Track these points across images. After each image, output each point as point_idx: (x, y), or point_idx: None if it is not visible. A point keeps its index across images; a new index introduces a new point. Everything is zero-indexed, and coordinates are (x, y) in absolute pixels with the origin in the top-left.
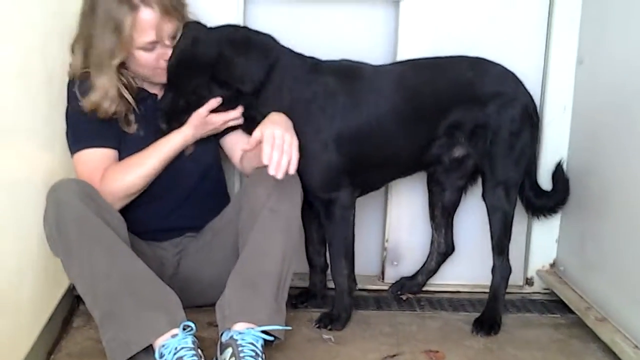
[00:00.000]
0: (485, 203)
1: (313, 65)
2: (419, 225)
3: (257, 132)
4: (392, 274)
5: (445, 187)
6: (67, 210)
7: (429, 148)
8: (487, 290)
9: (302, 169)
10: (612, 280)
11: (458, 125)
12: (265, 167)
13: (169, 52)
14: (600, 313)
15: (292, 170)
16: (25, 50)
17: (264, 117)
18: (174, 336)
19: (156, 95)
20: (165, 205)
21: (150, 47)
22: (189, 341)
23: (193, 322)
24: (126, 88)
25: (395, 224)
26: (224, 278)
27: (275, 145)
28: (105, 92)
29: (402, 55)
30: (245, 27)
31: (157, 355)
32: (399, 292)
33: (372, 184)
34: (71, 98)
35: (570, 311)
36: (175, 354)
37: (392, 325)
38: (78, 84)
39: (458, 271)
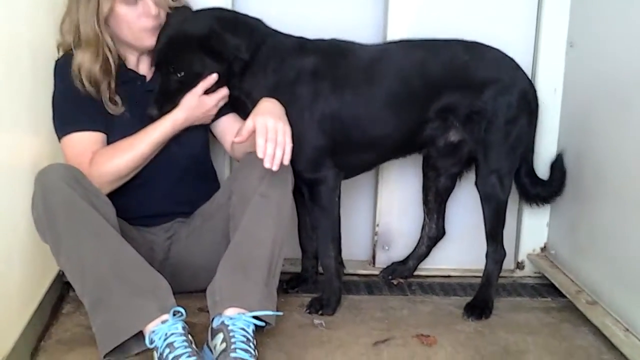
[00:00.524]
0: (479, 191)
1: (299, 45)
2: (410, 210)
3: (249, 122)
4: (383, 259)
5: (440, 172)
6: (54, 195)
7: (420, 130)
8: (479, 274)
9: None
10: (603, 264)
11: (451, 109)
12: (255, 151)
13: (151, 9)
14: (591, 296)
15: (287, 160)
16: (10, 36)
17: (248, 97)
18: (164, 322)
19: (145, 77)
20: (155, 190)
21: (132, 1)
22: (179, 327)
23: (183, 308)
24: (110, 51)
25: (386, 208)
26: (215, 263)
27: (268, 138)
28: (93, 37)
29: (392, 37)
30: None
31: (147, 341)
32: (390, 277)
33: (361, 166)
34: (58, 79)
35: (561, 295)
36: (165, 339)
37: (384, 309)
38: (65, 59)
39: (449, 255)
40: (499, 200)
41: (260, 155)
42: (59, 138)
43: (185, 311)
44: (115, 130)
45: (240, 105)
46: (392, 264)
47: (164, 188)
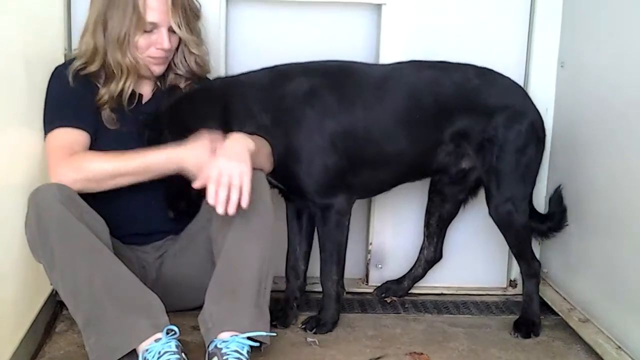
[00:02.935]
0: (494, 220)
1: (280, 72)
2: (403, 229)
3: (206, 171)
4: (377, 277)
5: (446, 198)
6: (48, 214)
7: (434, 154)
8: (472, 292)
9: (299, 173)
10: (595, 282)
11: (464, 134)
12: None
13: (162, 41)
14: (584, 314)
15: (245, 203)
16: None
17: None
18: (157, 340)
19: (142, 95)
20: (148, 208)
21: (149, 27)
22: (172, 345)
23: (176, 326)
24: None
25: (379, 227)
26: (201, 282)
27: (221, 182)
28: (132, 68)
29: (385, 58)
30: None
31: (140, 359)
32: (383, 295)
33: (377, 185)
34: (55, 80)
35: (554, 312)
36: (159, 357)
37: (377, 328)
38: (66, 67)
39: (442, 273)
40: (518, 225)
41: (211, 202)
42: (46, 134)
43: (179, 329)
44: (105, 142)
45: None
46: (386, 282)
47: (157, 206)
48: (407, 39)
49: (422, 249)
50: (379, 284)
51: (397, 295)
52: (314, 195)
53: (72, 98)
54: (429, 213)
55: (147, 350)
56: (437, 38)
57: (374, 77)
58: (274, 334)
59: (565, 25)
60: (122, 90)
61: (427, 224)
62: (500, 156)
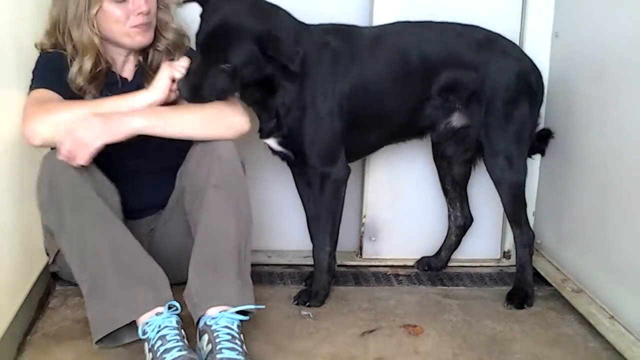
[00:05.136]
0: (490, 176)
1: (315, 30)
2: (397, 201)
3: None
4: (370, 250)
5: (451, 160)
6: (61, 178)
7: (422, 109)
8: (465, 264)
9: (306, 141)
10: (588, 253)
11: (451, 88)
12: (202, 142)
13: (139, 5)
14: (577, 285)
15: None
16: None
17: (282, 88)
18: (158, 314)
19: (127, 79)
20: (143, 182)
21: None
22: (173, 320)
23: (179, 302)
24: (101, 55)
25: (373, 199)
26: (183, 257)
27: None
28: (89, 44)
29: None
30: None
31: (140, 332)
32: (426, 269)
33: (367, 147)
34: (44, 56)
35: (547, 283)
36: (158, 331)
37: (370, 300)
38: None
39: (436, 245)
40: (512, 183)
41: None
42: (29, 92)
43: (180, 306)
44: None
45: (268, 100)
46: (423, 257)
47: (152, 181)
48: (400, 5)
49: (449, 216)
50: (419, 259)
51: (437, 268)
52: (316, 161)
53: (61, 76)
54: (442, 179)
55: (147, 323)
56: (431, 6)
57: (369, 37)
58: (262, 307)
59: None
60: (89, 70)
61: (444, 191)
62: (489, 109)
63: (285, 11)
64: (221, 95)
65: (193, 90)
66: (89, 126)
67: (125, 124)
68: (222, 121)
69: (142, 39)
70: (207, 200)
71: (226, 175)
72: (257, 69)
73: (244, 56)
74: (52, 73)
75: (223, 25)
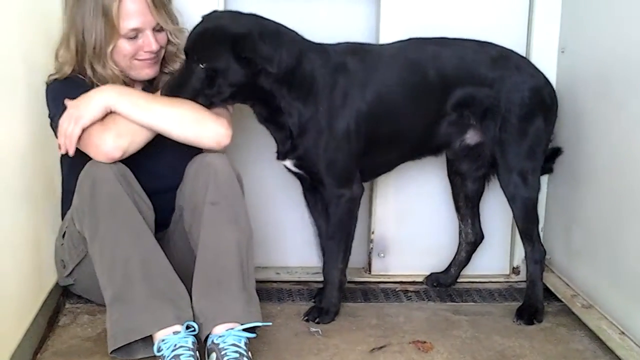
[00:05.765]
0: (504, 193)
1: (331, 51)
2: (405, 218)
3: None
4: (379, 266)
5: (465, 177)
6: (103, 185)
7: (438, 126)
8: (474, 279)
9: (322, 163)
10: (598, 268)
11: (466, 104)
12: (197, 161)
13: (149, 44)
14: (587, 300)
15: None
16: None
17: (291, 107)
18: (175, 333)
19: None
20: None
21: (132, 34)
22: (189, 341)
23: (196, 323)
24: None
25: (381, 215)
26: (185, 273)
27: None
28: (114, 78)
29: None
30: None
31: (155, 348)
32: (435, 285)
33: (384, 166)
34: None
35: (557, 299)
36: (173, 350)
37: (380, 317)
38: (68, 83)
39: (445, 261)
40: (525, 199)
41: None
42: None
43: (198, 327)
44: None
45: (278, 119)
46: (433, 273)
47: (159, 199)
48: (405, 31)
49: (460, 233)
50: (428, 275)
51: (447, 284)
52: (332, 183)
53: (72, 87)
54: (455, 196)
55: (163, 340)
56: (436, 22)
57: (385, 56)
58: (269, 323)
59: (565, 11)
60: None
61: (457, 208)
62: (503, 125)
63: (290, 30)
64: (199, 96)
65: (169, 84)
66: (69, 116)
67: (96, 97)
68: (202, 127)
69: (149, 71)
70: (205, 217)
71: (223, 191)
72: (237, 73)
73: (219, 57)
74: (75, 91)
75: (205, 31)
